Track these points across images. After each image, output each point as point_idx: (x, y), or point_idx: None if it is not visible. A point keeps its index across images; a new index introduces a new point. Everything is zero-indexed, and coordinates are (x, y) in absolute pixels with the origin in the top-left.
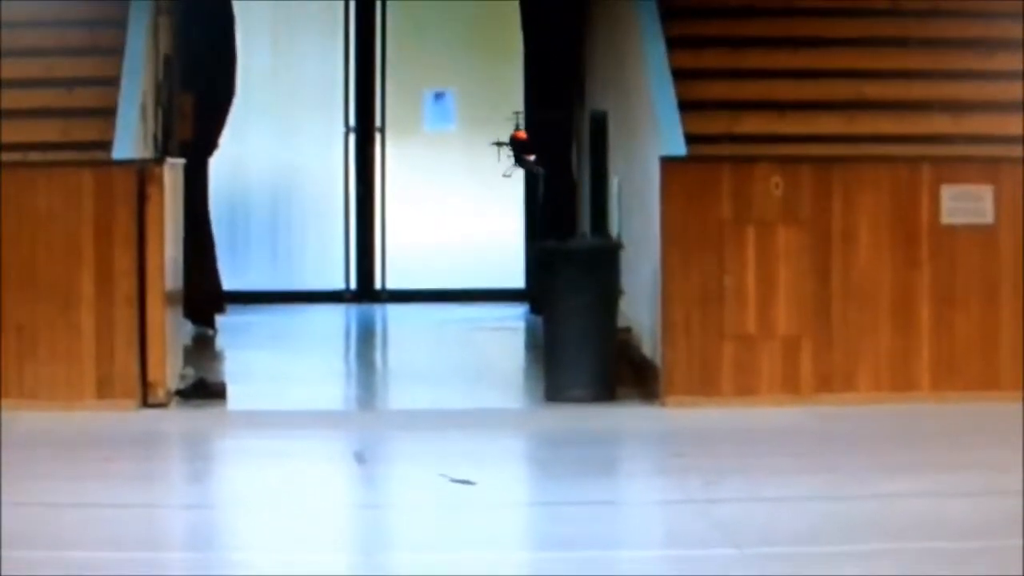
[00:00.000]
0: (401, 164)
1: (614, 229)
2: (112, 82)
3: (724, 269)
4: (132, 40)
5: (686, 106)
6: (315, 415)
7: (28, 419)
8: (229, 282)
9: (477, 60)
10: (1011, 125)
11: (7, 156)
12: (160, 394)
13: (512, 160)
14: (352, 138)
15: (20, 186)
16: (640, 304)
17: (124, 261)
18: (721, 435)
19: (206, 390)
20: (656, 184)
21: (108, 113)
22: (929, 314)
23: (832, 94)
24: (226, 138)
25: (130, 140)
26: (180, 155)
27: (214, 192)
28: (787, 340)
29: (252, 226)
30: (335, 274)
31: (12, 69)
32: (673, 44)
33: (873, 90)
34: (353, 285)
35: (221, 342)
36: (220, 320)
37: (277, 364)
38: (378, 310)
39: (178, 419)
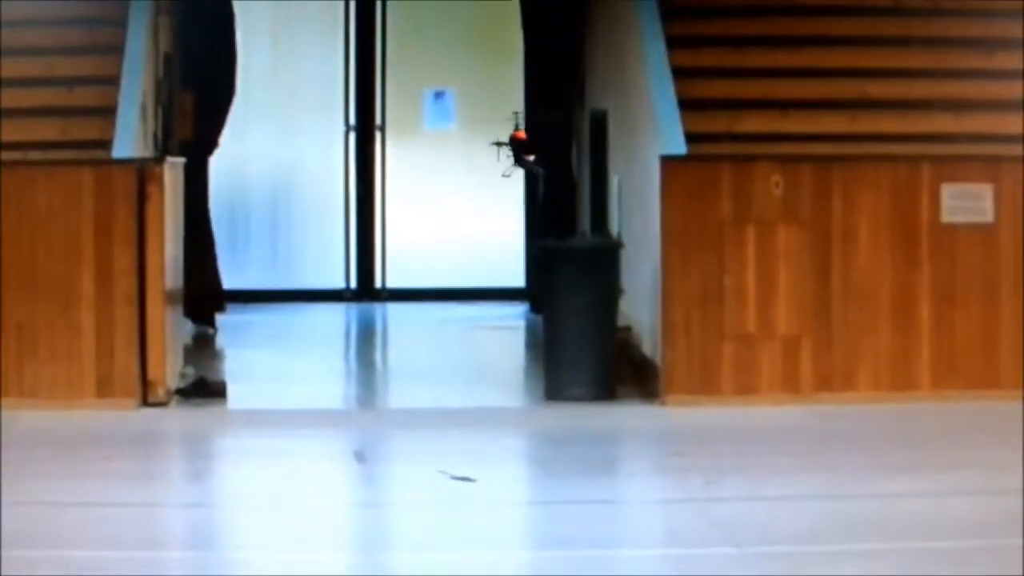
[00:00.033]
0: (401, 163)
1: (614, 228)
2: (112, 81)
3: (724, 268)
4: (132, 39)
5: (686, 105)
6: (315, 414)
7: (28, 418)
8: (229, 281)
9: (477, 60)
10: (1012, 124)
11: (7, 155)
12: (160, 393)
13: (511, 160)
14: (352, 137)
15: (20, 185)
16: (640, 303)
17: (124, 260)
18: (721, 434)
19: (206, 389)
20: (656, 183)
21: (108, 112)
22: (929, 313)
23: (834, 93)
24: (226, 137)
25: (130, 139)
26: (180, 154)
27: (214, 191)
28: (787, 339)
29: (252, 225)
30: (335, 273)
31: (12, 68)
32: (673, 43)
33: (874, 89)
34: (353, 284)
35: (221, 341)
36: (220, 319)
37: (277, 363)
38: (378, 309)
39: (178, 418)
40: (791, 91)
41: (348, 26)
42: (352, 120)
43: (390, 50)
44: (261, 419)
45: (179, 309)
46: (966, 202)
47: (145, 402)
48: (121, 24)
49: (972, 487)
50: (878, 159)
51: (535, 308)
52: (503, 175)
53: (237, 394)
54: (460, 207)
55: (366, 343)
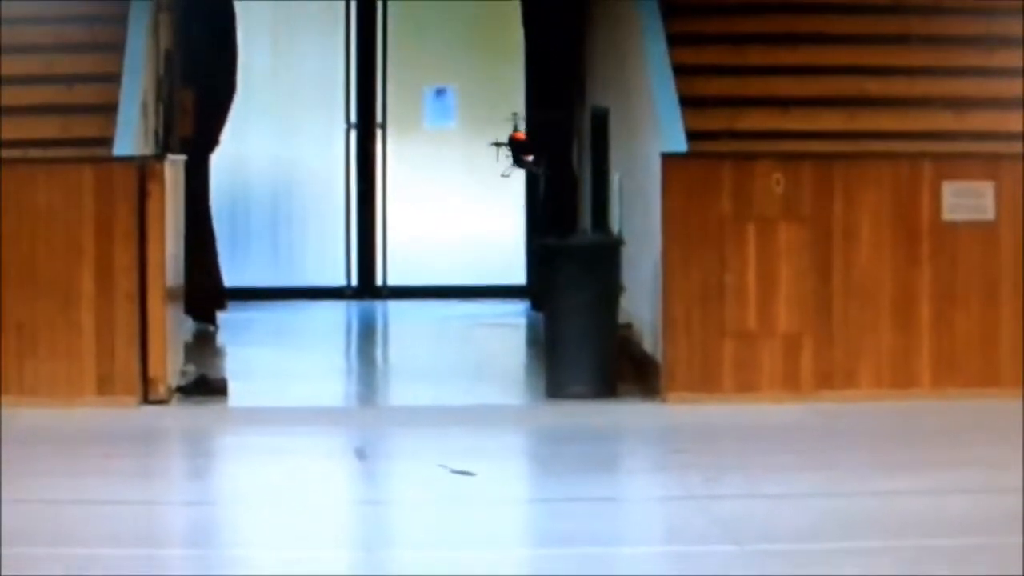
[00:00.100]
0: (402, 161)
1: (615, 225)
2: (113, 78)
3: (725, 266)
4: (133, 36)
5: (687, 102)
6: (316, 411)
7: (28, 416)
8: (230, 278)
9: (477, 58)
10: (1012, 122)
11: (7, 153)
12: (161, 391)
13: (510, 160)
14: (353, 135)
15: (20, 183)
16: (641, 300)
17: (125, 258)
18: (722, 432)
19: (207, 387)
20: (657, 180)
21: (109, 110)
22: (930, 311)
23: (834, 90)
24: (227, 134)
25: (131, 136)
26: (181, 151)
27: (215, 188)
28: (788, 337)
29: (253, 222)
30: (336, 270)
31: (13, 66)
32: (674, 40)
33: (875, 86)
34: (354, 281)
35: (222, 338)
36: (221, 316)
37: (278, 360)
38: (379, 306)
39: (179, 416)
40: (792, 89)
41: (349, 24)
42: (353, 118)
43: (391, 49)
44: (262, 417)
45: (180, 307)
46: (967, 200)
47: (146, 400)
48: (122, 22)
49: (972, 485)
50: (879, 157)
51: (536, 305)
52: (502, 175)
53: (238, 392)
54: (461, 205)
55: (367, 340)
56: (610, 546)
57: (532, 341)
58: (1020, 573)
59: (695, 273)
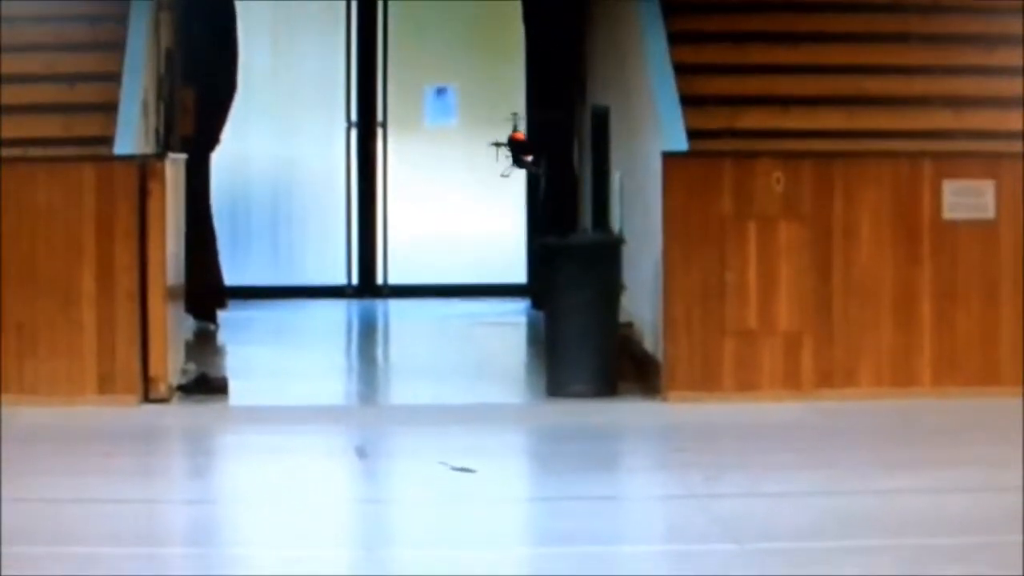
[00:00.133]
0: (403, 160)
1: (615, 224)
2: (114, 77)
3: (725, 264)
4: (133, 35)
5: (687, 101)
6: (316, 410)
7: (29, 415)
8: (231, 277)
9: (478, 57)
10: (1012, 121)
11: (8, 151)
12: (161, 389)
13: (510, 161)
14: (354, 133)
15: (21, 181)
16: (641, 299)
17: (125, 257)
18: (722, 430)
19: (208, 385)
20: (658, 179)
21: (110, 108)
22: (930, 310)
23: (833, 89)
24: (228, 133)
25: (132, 135)
26: (182, 150)
27: (216, 187)
28: (788, 336)
29: (254, 221)
30: (337, 269)
31: (14, 64)
32: (674, 39)
33: (874, 85)
34: (355, 280)
35: (222, 337)
36: (221, 315)
37: (279, 359)
38: (379, 305)
39: (179, 415)
40: (792, 87)
41: (349, 23)
42: (353, 117)
43: (391, 48)
44: (262, 415)
45: (180, 305)
46: (967, 198)
47: (146, 398)
48: (122, 20)
49: (972, 484)
50: (879, 155)
51: (536, 304)
52: (501, 175)
53: (238, 390)
54: (461, 203)
55: (367, 339)
56: (610, 545)
57: (533, 340)
58: (1020, 572)
59: (696, 272)
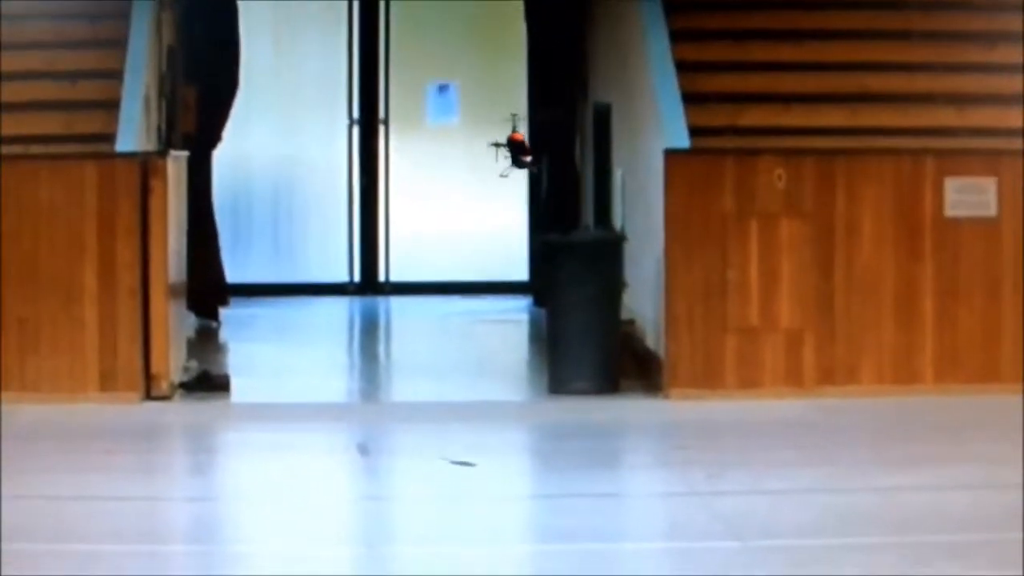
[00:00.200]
0: (404, 157)
1: (617, 222)
2: (115, 75)
3: (727, 262)
4: (135, 33)
5: (689, 99)
6: (318, 407)
7: (30, 412)
8: (233, 275)
9: (480, 56)
10: (1014, 118)
11: (9, 149)
12: (163, 387)
13: (509, 161)
14: (356, 131)
15: (23, 179)
16: (643, 296)
17: (127, 254)
18: (724, 428)
19: (210, 383)
20: (660, 177)
21: (111, 106)
22: (932, 307)
23: (835, 87)
24: (230, 131)
25: (133, 133)
26: (183, 147)
27: (218, 184)
28: (790, 333)
29: (255, 218)
30: (339, 267)
31: (15, 62)
32: (676, 37)
33: (876, 83)
34: (356, 278)
35: (224, 335)
36: (223, 313)
37: (280, 357)
38: (381, 303)
39: (181, 412)
40: (794, 85)
41: (351, 21)
42: (355, 114)
43: (393, 45)
44: (264, 413)
45: (182, 303)
46: (969, 196)
47: (148, 396)
48: (124, 18)
49: (973, 481)
50: (881, 152)
51: (538, 302)
52: (500, 175)
53: (240, 388)
54: (463, 201)
55: (369, 337)
56: (612, 542)
57: (534, 337)
58: (1021, 569)
59: (697, 269)
